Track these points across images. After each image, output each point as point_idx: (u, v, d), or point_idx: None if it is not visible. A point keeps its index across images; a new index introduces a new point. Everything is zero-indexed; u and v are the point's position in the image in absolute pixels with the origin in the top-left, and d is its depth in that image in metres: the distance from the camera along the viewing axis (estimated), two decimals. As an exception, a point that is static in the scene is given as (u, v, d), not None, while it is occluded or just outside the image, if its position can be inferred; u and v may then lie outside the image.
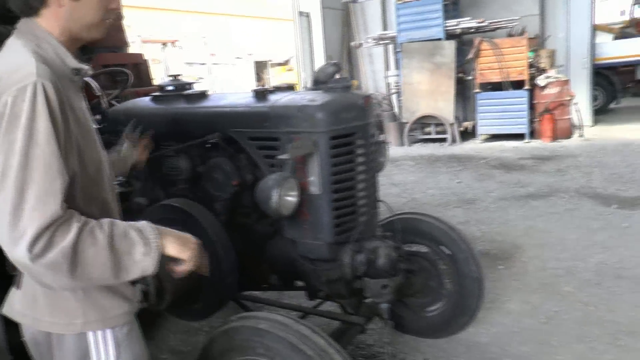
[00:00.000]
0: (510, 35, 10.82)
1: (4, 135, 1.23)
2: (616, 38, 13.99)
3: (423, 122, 11.02)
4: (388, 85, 12.19)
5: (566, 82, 10.21)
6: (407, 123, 10.98)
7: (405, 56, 10.86)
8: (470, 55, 10.49)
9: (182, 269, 1.58)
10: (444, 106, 10.60)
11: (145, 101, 3.14)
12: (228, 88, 21.13)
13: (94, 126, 1.53)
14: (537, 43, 11.04)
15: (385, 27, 12.42)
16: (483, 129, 10.82)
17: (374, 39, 11.78)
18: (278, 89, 2.77)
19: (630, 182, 6.76)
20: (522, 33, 10.54)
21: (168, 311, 2.79)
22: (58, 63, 1.40)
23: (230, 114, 2.66)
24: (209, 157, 2.85)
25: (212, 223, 2.67)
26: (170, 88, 3.04)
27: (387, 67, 12.45)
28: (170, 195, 3.04)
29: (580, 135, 10.23)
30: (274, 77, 25.42)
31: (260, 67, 27.24)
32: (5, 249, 1.24)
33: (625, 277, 4.12)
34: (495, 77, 10.42)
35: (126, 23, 6.32)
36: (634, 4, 15.13)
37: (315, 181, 2.40)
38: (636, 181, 6.77)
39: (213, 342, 2.24)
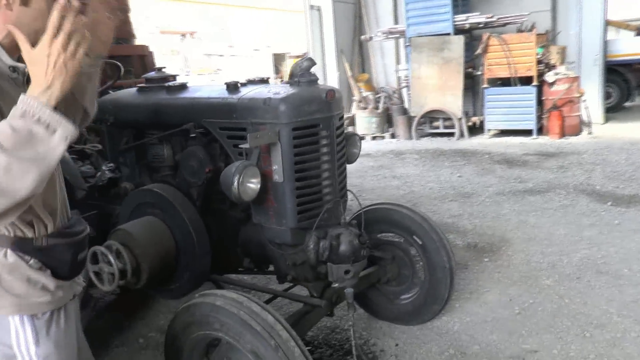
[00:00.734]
0: (520, 30, 10.83)
1: None
2: (638, 34, 13.83)
3: (431, 116, 11.08)
4: (399, 79, 12.25)
5: (575, 78, 10.18)
6: (415, 117, 11.04)
7: (414, 50, 10.91)
8: (478, 51, 10.52)
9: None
10: (452, 101, 10.64)
11: (131, 92, 3.29)
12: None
13: None
14: (547, 39, 11.01)
15: (396, 21, 12.47)
16: (491, 124, 10.85)
17: (384, 33, 11.85)
18: (250, 82, 2.90)
19: (629, 180, 6.77)
20: (531, 29, 10.53)
21: (146, 290, 2.94)
22: None
23: (203, 105, 2.81)
24: (187, 145, 3.00)
25: (186, 207, 2.83)
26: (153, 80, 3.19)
27: (397, 61, 12.51)
28: (155, 181, 3.21)
29: (589, 133, 10.20)
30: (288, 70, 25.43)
31: (279, 59, 27.37)
32: None
33: (606, 273, 4.18)
34: (503, 73, 10.44)
35: (145, 14, 6.50)
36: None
37: (278, 170, 2.53)
38: (636, 179, 6.78)
39: (176, 317, 2.40)
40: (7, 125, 1.27)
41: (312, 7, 12.20)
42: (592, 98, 10.76)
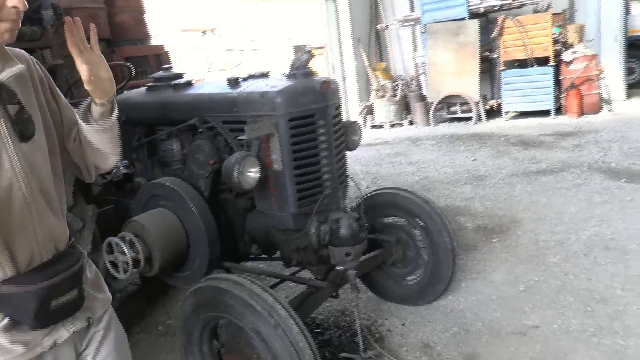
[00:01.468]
0: (536, 11, 10.75)
1: None
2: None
3: (449, 101, 11.09)
4: (416, 66, 12.27)
5: (594, 56, 10.09)
6: (433, 103, 11.08)
7: (430, 37, 10.94)
8: (494, 34, 10.50)
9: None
10: (469, 85, 10.65)
11: (140, 91, 3.47)
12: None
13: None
14: (564, 18, 10.92)
15: (412, 8, 12.46)
16: (508, 107, 10.83)
17: (399, 21, 11.87)
18: (251, 77, 3.05)
19: (646, 156, 6.76)
20: (547, 9, 10.46)
21: (160, 277, 3.12)
22: None
23: (206, 100, 2.97)
24: (194, 140, 3.17)
25: (195, 198, 2.99)
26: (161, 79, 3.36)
27: (414, 49, 12.53)
28: (166, 175, 3.38)
29: (609, 110, 10.12)
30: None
31: (299, 51, 27.42)
32: None
33: (613, 249, 4.24)
34: (519, 55, 10.41)
35: (168, 14, 6.73)
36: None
37: (277, 159, 2.68)
38: (652, 155, 6.76)
39: (186, 301, 2.57)
40: None
41: (328, -3, 12.29)
42: (613, 75, 10.67)
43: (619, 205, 5.17)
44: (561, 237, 4.58)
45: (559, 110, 10.40)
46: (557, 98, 10.38)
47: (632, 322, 3.20)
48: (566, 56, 10.09)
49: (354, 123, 3.26)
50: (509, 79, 10.62)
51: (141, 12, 6.80)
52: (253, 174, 2.60)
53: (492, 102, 11.11)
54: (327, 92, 2.77)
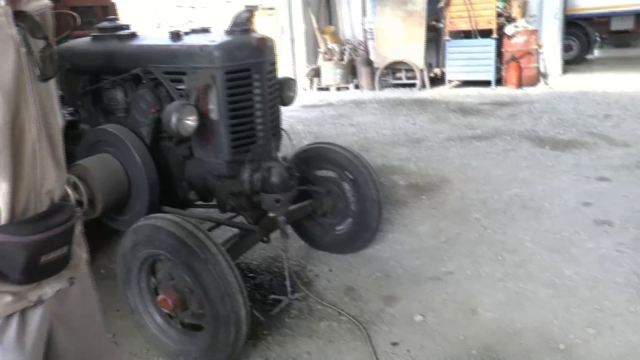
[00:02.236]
0: (483, -16, 11.05)
1: None
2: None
3: (395, 67, 11.37)
4: (364, 31, 12.46)
5: (534, 31, 10.52)
6: (378, 68, 11.33)
7: (379, 3, 11.14)
8: (441, 4, 10.77)
9: None
10: (415, 52, 10.93)
11: (86, 40, 3.56)
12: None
13: None
14: (509, -7, 11.28)
15: (363, -27, 12.59)
16: (452, 75, 11.21)
17: (349, -15, 12.01)
18: (193, 31, 3.21)
19: (571, 127, 7.20)
20: (493, -17, 10.78)
21: (102, 219, 3.28)
22: None
23: (149, 51, 3.11)
24: (138, 89, 3.31)
25: (137, 145, 3.15)
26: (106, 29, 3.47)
27: (363, 14, 12.69)
28: (110, 122, 3.50)
29: (546, 84, 10.60)
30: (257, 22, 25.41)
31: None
32: None
33: (530, 208, 4.62)
34: (464, 26, 10.75)
35: None
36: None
37: (214, 109, 2.87)
38: (576, 126, 7.21)
39: (125, 239, 2.76)
40: None
41: (278, -42, 12.25)
42: (552, 50, 11.14)
43: (540, 170, 5.57)
44: (485, 196, 4.94)
45: (499, 81, 10.82)
46: (498, 69, 10.80)
47: (533, 269, 3.57)
48: (508, 30, 10.48)
49: (290, 80, 3.46)
50: (453, 48, 10.98)
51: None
52: (191, 121, 2.78)
53: (437, 70, 11.45)
54: (263, 48, 2.95)
